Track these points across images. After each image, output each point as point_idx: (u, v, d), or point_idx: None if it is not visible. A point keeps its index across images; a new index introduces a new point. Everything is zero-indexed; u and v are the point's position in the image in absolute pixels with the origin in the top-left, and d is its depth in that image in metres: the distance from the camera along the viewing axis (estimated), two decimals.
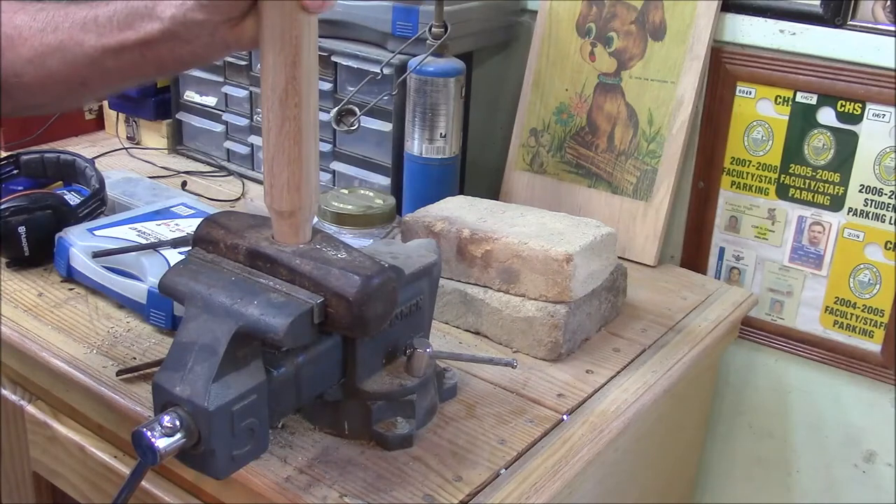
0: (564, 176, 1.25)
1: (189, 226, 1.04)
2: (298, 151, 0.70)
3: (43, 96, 0.78)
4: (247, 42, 0.71)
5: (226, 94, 1.40)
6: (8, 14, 0.76)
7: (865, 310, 1.11)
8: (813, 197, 1.12)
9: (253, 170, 1.40)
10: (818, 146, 1.10)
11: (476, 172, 1.35)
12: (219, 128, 1.42)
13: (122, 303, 0.98)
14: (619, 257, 1.05)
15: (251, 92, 1.36)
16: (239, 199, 1.33)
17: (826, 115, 1.09)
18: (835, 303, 1.13)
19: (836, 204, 1.10)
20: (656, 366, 0.95)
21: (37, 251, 1.05)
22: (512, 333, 0.95)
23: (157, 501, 0.88)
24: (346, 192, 1.13)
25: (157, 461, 0.63)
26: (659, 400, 0.91)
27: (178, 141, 1.49)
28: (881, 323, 1.10)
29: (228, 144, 1.42)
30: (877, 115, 1.05)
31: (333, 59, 1.23)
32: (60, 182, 1.21)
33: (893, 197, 1.06)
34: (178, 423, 0.64)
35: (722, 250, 1.20)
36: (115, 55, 0.73)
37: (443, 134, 1.13)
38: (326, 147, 1.30)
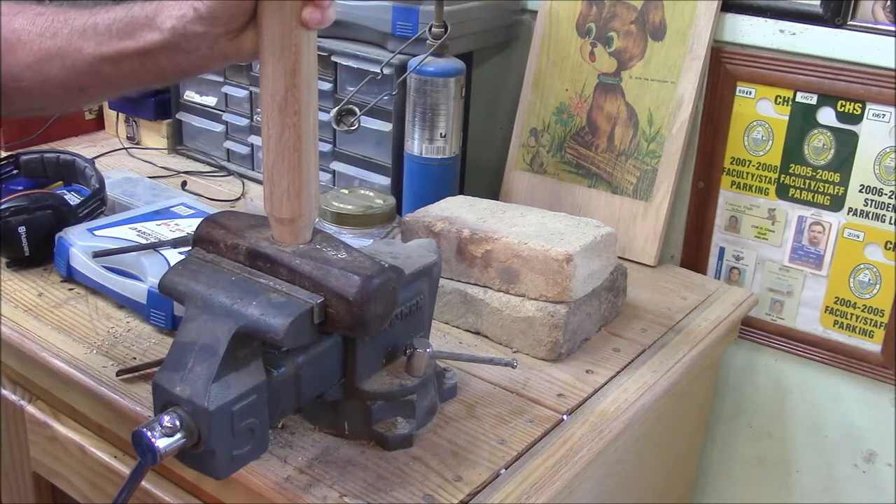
0: (564, 176, 1.25)
1: (189, 226, 1.04)
2: (298, 159, 0.70)
3: (41, 100, 0.78)
4: (246, 54, 0.72)
5: (226, 94, 1.40)
6: (6, 17, 0.75)
7: (865, 310, 1.11)
8: (813, 197, 1.12)
9: (253, 170, 1.40)
10: (818, 146, 1.10)
11: (476, 172, 1.35)
12: (219, 128, 1.42)
13: (122, 303, 0.98)
14: (619, 257, 1.05)
15: (251, 92, 1.36)
16: (239, 199, 1.33)
17: (826, 115, 1.09)
18: (835, 303, 1.13)
19: (836, 204, 1.10)
20: (656, 366, 0.95)
21: (37, 251, 1.05)
22: (512, 333, 0.95)
23: (157, 501, 0.88)
24: (346, 192, 1.13)
25: (157, 461, 0.63)
26: (659, 400, 0.91)
27: (178, 141, 1.49)
28: (881, 323, 1.10)
29: (228, 144, 1.42)
30: (877, 115, 1.05)
31: (333, 59, 1.23)
32: (60, 182, 1.21)
33: (893, 197, 1.06)
34: (178, 423, 0.64)
35: (722, 250, 1.20)
36: (113, 63, 0.73)
37: (443, 134, 1.13)
38: (326, 147, 1.30)
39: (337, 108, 1.12)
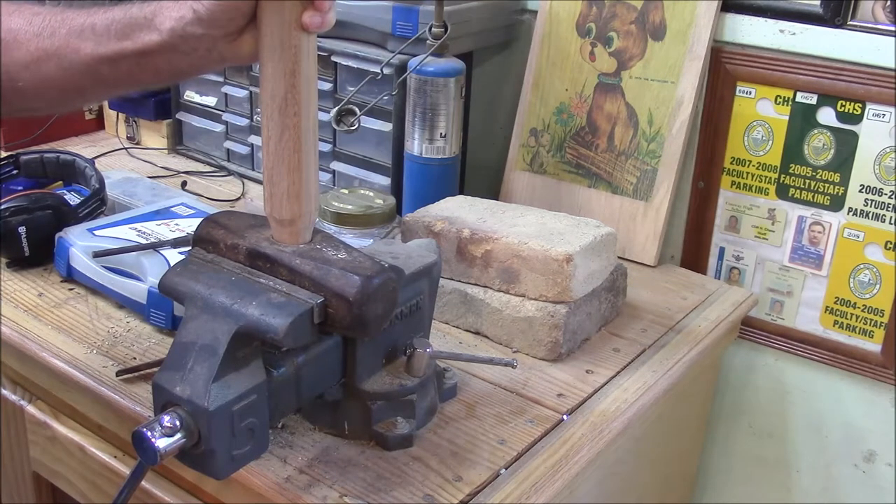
0: (564, 176, 1.25)
1: (189, 226, 1.04)
2: (298, 160, 0.70)
3: (38, 101, 0.78)
4: (244, 57, 0.71)
5: (226, 94, 1.40)
6: (3, 17, 0.75)
7: (865, 310, 1.11)
8: (813, 197, 1.12)
9: (253, 170, 1.40)
10: (818, 146, 1.10)
11: (476, 172, 1.35)
12: (219, 128, 1.42)
13: (122, 303, 0.98)
14: (619, 257, 1.05)
15: (251, 92, 1.36)
16: (239, 199, 1.33)
17: (826, 115, 1.09)
18: (835, 303, 1.13)
19: (836, 204, 1.10)
20: (656, 366, 0.95)
21: (37, 251, 1.05)
22: (512, 333, 0.95)
23: (157, 501, 0.88)
24: (346, 192, 1.13)
25: (157, 461, 0.63)
26: (659, 400, 0.91)
27: (178, 141, 1.49)
28: (881, 323, 1.10)
29: (228, 144, 1.42)
30: (877, 115, 1.05)
31: (333, 59, 1.23)
32: (60, 182, 1.21)
33: (893, 197, 1.06)
34: (178, 423, 0.64)
35: (722, 250, 1.20)
36: (111, 64, 0.72)
37: (443, 134, 1.13)
38: (326, 147, 1.30)
39: (337, 108, 1.12)
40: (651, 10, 1.17)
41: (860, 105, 1.06)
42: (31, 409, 0.99)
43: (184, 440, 0.64)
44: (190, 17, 0.69)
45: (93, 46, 0.72)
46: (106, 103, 1.53)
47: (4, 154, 1.25)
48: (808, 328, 1.16)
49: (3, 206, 1.03)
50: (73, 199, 1.13)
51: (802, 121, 1.10)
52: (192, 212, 1.10)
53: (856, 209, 1.09)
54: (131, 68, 0.73)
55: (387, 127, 1.21)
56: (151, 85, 0.78)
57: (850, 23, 1.05)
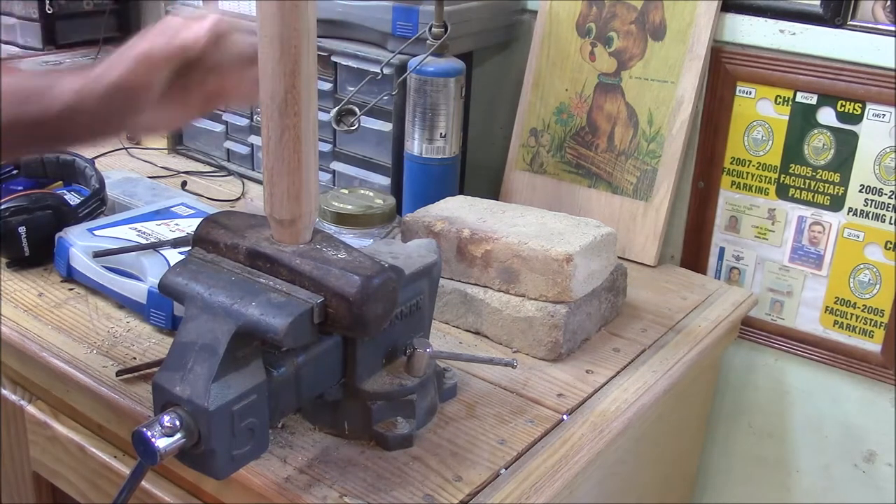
0: (564, 176, 1.25)
1: (189, 226, 1.04)
2: (298, 160, 0.70)
3: None
4: (140, 132, 0.72)
5: None
6: None
7: (865, 310, 1.11)
8: (813, 197, 1.12)
9: (253, 170, 1.40)
10: (818, 146, 1.10)
11: (476, 172, 1.35)
12: (219, 128, 1.42)
13: (122, 303, 0.98)
14: (619, 257, 1.05)
15: None
16: (239, 199, 1.33)
17: (826, 115, 1.09)
18: (835, 303, 1.13)
19: (836, 204, 1.10)
20: (656, 366, 0.95)
21: (37, 251, 1.05)
22: (512, 333, 0.95)
23: (157, 501, 0.88)
24: (346, 192, 1.13)
25: (157, 461, 0.63)
26: (659, 400, 0.91)
27: (178, 141, 1.49)
28: (881, 323, 1.10)
29: (228, 144, 1.42)
30: (877, 115, 1.05)
31: (333, 59, 1.23)
32: (60, 182, 1.21)
33: (893, 197, 1.06)
34: (178, 423, 0.64)
35: (722, 250, 1.20)
36: (9, 129, 0.72)
37: (443, 134, 1.13)
38: (326, 147, 1.30)
39: (337, 108, 1.12)
40: (651, 10, 1.17)
41: (860, 105, 1.06)
42: (31, 409, 0.99)
43: (184, 440, 0.64)
44: (85, 92, 0.69)
45: None
46: None
47: None
48: (808, 328, 1.16)
49: (3, 206, 1.03)
50: (73, 199, 1.13)
51: (802, 121, 1.10)
52: (192, 212, 1.10)
53: (856, 209, 1.09)
54: (29, 135, 0.73)
55: (387, 127, 1.21)
56: (52, 150, 0.78)
57: (850, 23, 1.05)
